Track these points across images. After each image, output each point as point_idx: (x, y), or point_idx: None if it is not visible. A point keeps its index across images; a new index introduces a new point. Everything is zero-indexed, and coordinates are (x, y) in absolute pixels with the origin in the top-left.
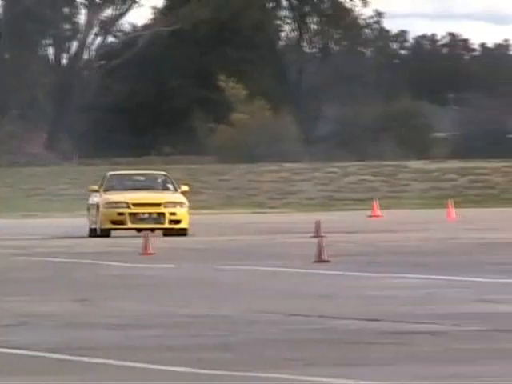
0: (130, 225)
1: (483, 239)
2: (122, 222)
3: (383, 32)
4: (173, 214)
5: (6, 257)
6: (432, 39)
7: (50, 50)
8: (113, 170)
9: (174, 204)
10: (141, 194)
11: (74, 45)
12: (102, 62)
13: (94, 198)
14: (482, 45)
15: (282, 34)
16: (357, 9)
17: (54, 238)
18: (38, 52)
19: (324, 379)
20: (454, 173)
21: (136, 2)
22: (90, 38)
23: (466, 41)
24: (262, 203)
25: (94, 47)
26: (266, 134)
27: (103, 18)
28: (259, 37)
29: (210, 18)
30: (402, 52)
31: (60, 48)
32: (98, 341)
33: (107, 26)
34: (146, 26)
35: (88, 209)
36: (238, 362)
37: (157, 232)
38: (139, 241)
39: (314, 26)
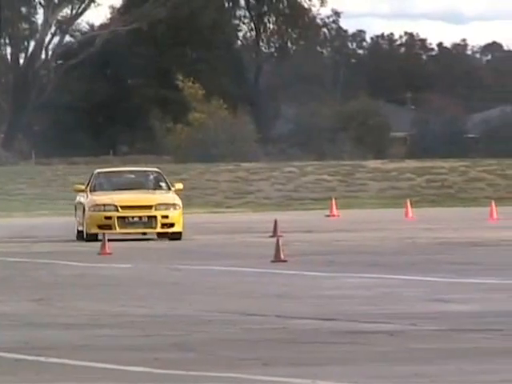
0: (118, 229)
1: (440, 239)
2: (109, 227)
3: (341, 32)
4: (165, 217)
5: None
6: (389, 39)
7: (8, 50)
8: (101, 169)
9: (167, 206)
10: (130, 195)
11: (32, 44)
12: (60, 62)
13: (81, 198)
14: (440, 44)
15: (240, 34)
16: (314, 8)
17: (12, 238)
18: None
19: (281, 379)
20: (412, 172)
21: (93, 2)
22: (47, 38)
23: (423, 40)
24: (220, 203)
25: (51, 47)
26: (223, 134)
27: (61, 18)
28: (217, 36)
29: (167, 17)
30: (360, 52)
31: (17, 47)
32: (54, 340)
33: (65, 26)
34: (103, 26)
35: (75, 208)
36: (195, 361)
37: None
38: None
39: (271, 26)
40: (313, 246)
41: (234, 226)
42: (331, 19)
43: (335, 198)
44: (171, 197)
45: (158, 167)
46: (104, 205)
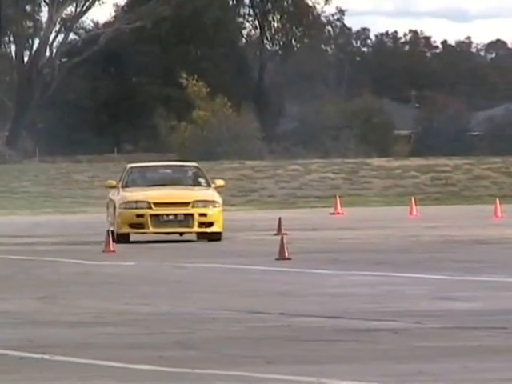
0: (151, 229)
1: (444, 237)
2: (141, 226)
3: (345, 29)
4: (203, 215)
5: None
6: (394, 37)
7: (12, 48)
8: (134, 163)
9: (205, 203)
10: (165, 191)
11: (36, 42)
12: (64, 60)
13: (112, 195)
14: (444, 42)
15: (244, 32)
16: (318, 6)
17: (16, 236)
18: (0, 49)
19: (285, 377)
20: (416, 170)
21: (98, 0)
22: (51, 36)
23: (427, 38)
24: (224, 201)
25: (55, 45)
26: (227, 132)
27: (65, 16)
28: (221, 34)
29: (171, 15)
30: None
31: (22, 45)
32: (58, 338)
33: (69, 24)
34: (107, 24)
35: (107, 206)
36: (199, 359)
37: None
38: (101, 238)
39: (275, 24)
40: (317, 243)
41: (238, 223)
42: (335, 17)
43: (339, 196)
44: (210, 193)
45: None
46: (136, 201)
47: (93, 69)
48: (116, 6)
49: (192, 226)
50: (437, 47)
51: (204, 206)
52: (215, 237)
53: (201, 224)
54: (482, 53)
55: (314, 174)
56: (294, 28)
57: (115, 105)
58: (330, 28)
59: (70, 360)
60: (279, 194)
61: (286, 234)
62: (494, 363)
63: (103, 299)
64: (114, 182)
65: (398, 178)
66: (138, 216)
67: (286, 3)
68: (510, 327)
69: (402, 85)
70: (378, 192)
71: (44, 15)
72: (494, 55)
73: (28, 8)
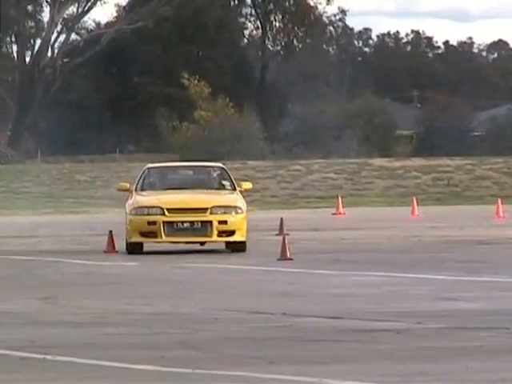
0: (164, 238)
1: (446, 237)
2: (154, 234)
3: (347, 30)
4: (223, 222)
5: None
6: (395, 37)
7: (14, 48)
8: (153, 163)
9: (226, 209)
10: (181, 196)
11: (38, 42)
12: (66, 60)
13: (128, 200)
14: (446, 42)
15: (246, 32)
16: (320, 6)
17: (18, 236)
18: (1, 50)
19: (287, 377)
20: (418, 170)
21: (99, 0)
22: (53, 36)
23: (429, 38)
24: None
25: (57, 45)
26: (229, 132)
27: (66, 16)
28: (222, 34)
29: (173, 15)
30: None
31: (23, 46)
32: (60, 338)
33: (71, 24)
34: (109, 24)
35: (126, 213)
36: (201, 359)
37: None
38: (103, 238)
39: (277, 24)
40: (319, 244)
41: None
42: (337, 17)
43: (341, 196)
44: (233, 198)
45: None
46: (148, 207)
47: (95, 69)
48: (118, 6)
49: (210, 235)
50: (439, 47)
51: (224, 213)
52: (238, 247)
53: (221, 233)
54: (484, 53)
55: (315, 175)
56: (295, 28)
57: (117, 105)
58: (331, 28)
59: (71, 360)
60: (281, 194)
61: (287, 234)
62: (496, 363)
63: (105, 299)
64: (127, 185)
65: (400, 179)
66: (150, 223)
67: (287, 3)
68: None
69: (404, 85)
70: (379, 192)
71: (46, 15)
72: (495, 55)
73: (30, 8)
